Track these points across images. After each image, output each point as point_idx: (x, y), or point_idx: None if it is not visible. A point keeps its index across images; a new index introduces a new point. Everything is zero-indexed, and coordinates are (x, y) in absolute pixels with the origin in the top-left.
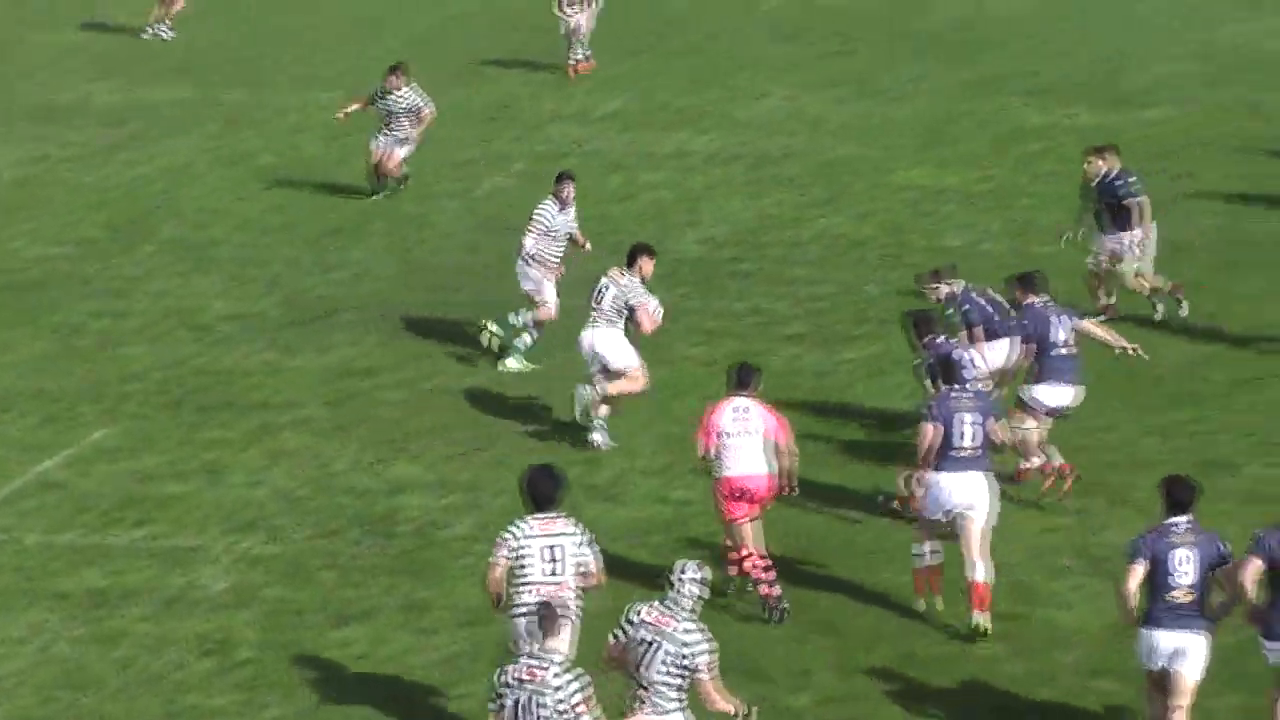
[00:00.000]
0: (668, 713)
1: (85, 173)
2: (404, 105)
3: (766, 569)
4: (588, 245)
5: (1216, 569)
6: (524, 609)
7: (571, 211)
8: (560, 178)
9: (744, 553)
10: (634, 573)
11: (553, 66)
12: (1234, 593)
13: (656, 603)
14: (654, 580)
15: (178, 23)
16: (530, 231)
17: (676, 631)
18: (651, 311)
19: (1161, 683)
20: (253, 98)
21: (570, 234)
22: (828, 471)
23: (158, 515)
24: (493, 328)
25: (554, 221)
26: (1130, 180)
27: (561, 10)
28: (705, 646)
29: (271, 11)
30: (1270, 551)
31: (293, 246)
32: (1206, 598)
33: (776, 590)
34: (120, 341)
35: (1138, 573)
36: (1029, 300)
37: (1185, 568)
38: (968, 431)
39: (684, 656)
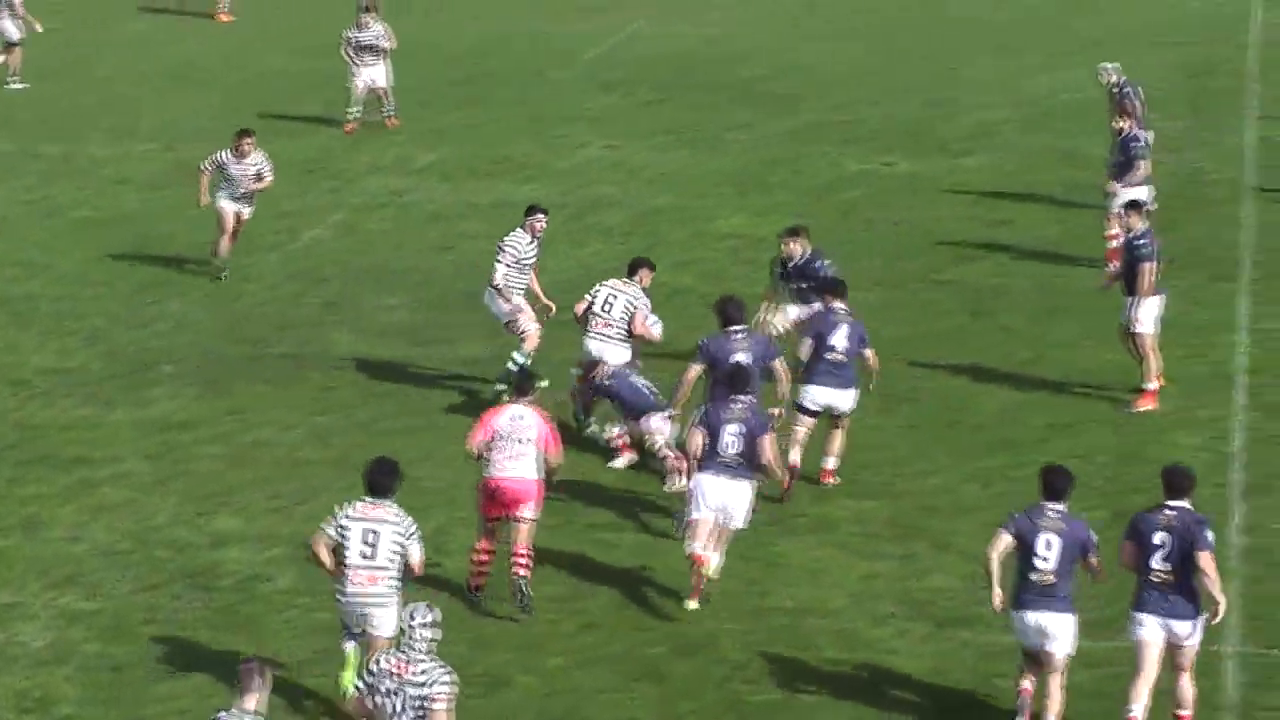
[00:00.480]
0: None
1: None
2: (255, 170)
3: (480, 566)
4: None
5: (1083, 555)
6: (340, 591)
7: (537, 245)
8: (533, 210)
9: (478, 545)
10: (458, 625)
11: (366, 120)
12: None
13: (394, 650)
14: (480, 630)
15: None
16: (500, 262)
17: (415, 675)
18: (650, 322)
19: (1035, 658)
20: (70, 151)
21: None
22: (656, 517)
23: None
24: (500, 388)
25: (524, 252)
26: (826, 263)
27: (353, 60)
28: (444, 678)
29: (87, 65)
30: (1019, 526)
31: (112, 300)
32: (1070, 580)
33: (479, 582)
34: None
35: (1002, 540)
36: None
37: (1048, 552)
38: (733, 441)
39: (423, 696)
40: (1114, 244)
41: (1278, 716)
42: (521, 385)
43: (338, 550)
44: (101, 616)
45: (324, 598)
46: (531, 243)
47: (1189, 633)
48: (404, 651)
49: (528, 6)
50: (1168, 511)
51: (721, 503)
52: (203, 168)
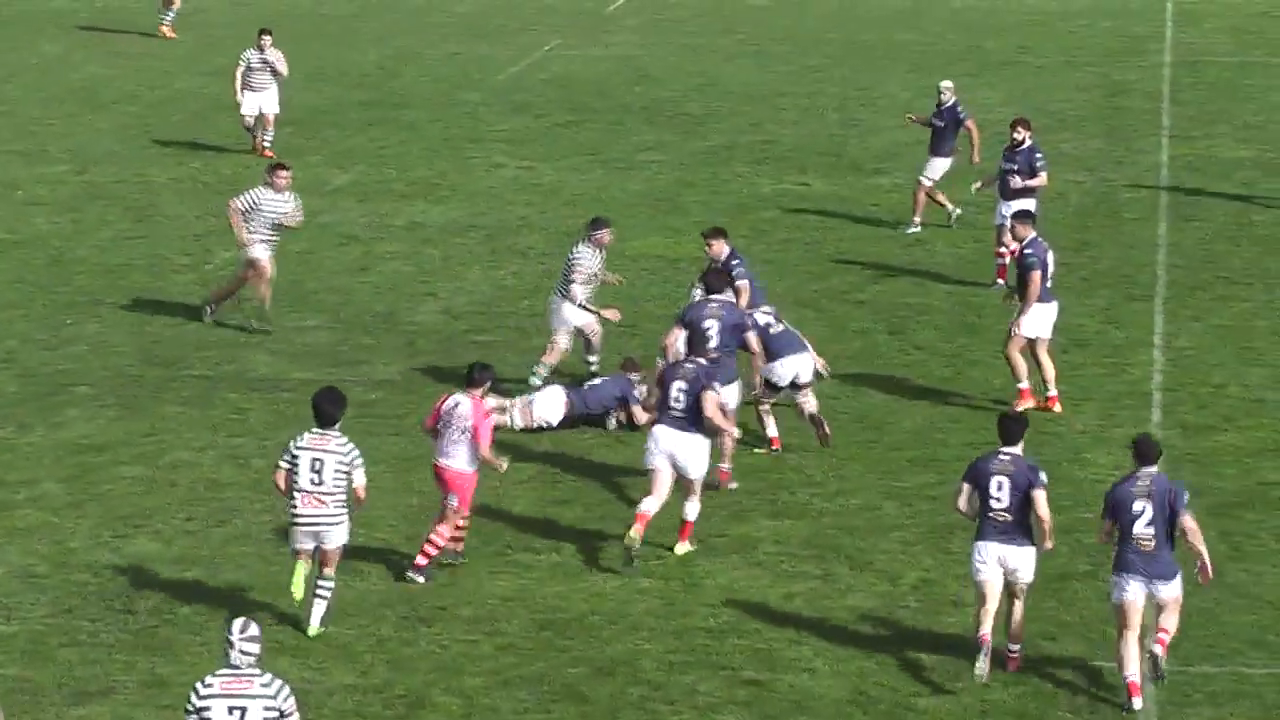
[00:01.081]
0: None
1: None
2: (291, 205)
3: (451, 539)
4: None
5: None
6: (293, 515)
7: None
8: (598, 223)
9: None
10: (376, 647)
11: (290, 142)
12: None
13: (220, 672)
14: (398, 652)
15: None
16: (575, 280)
17: (255, 688)
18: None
19: (986, 591)
20: None
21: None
22: (574, 537)
23: None
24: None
25: (595, 267)
26: (737, 263)
27: (246, 83)
28: (287, 689)
29: None
30: (975, 472)
31: (27, 322)
32: (1025, 517)
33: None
34: None
35: (964, 491)
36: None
37: (1000, 493)
38: (680, 396)
39: (278, 709)
40: (1004, 261)
41: None
42: (471, 376)
43: (288, 477)
44: (18, 640)
45: None
46: (597, 256)
47: (1173, 590)
48: (234, 668)
49: (437, 28)
50: (1141, 481)
51: (671, 451)
52: (236, 207)
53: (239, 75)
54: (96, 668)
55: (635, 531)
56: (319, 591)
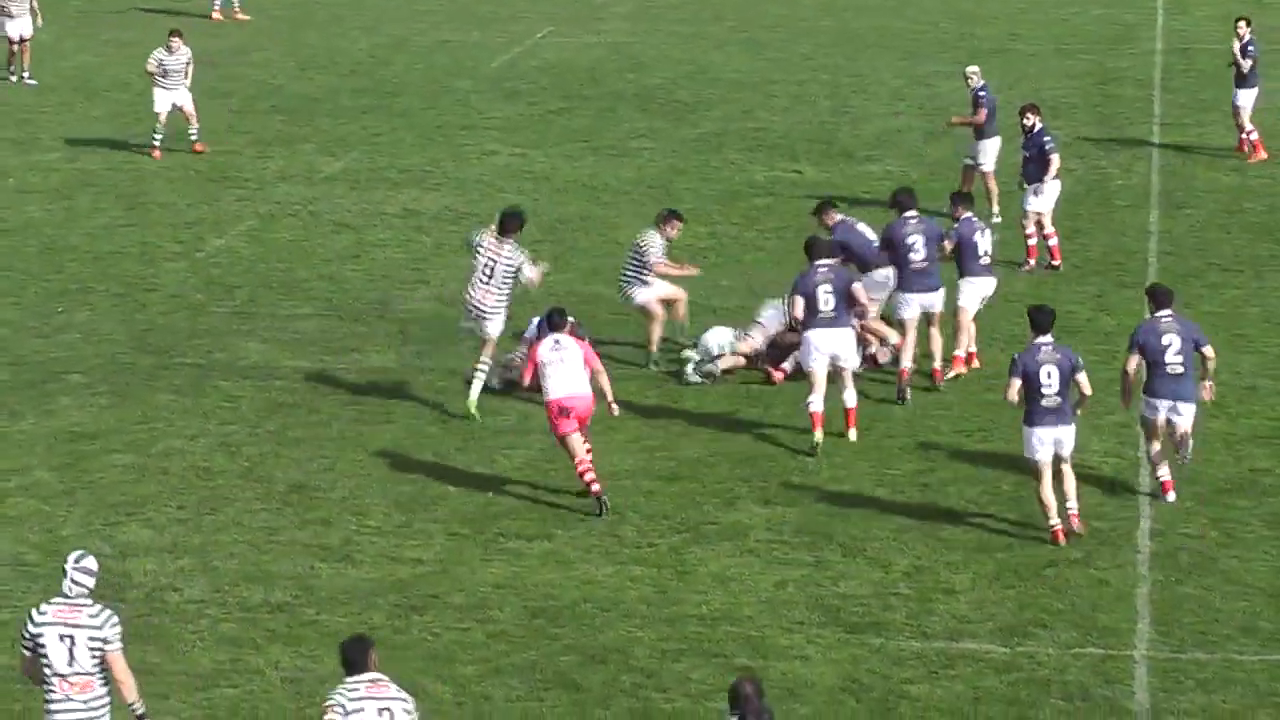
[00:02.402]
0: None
1: None
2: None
3: (589, 472)
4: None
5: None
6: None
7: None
8: (671, 216)
9: (577, 464)
10: (369, 635)
11: (282, 130)
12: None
13: (53, 600)
14: (390, 640)
15: None
16: (649, 263)
17: (83, 617)
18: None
19: (1042, 469)
20: None
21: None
22: (565, 526)
23: None
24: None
25: (658, 253)
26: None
27: (159, 83)
28: (114, 619)
29: None
30: (1025, 367)
31: (18, 309)
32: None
33: (597, 487)
34: None
35: (1014, 385)
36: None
37: (1050, 380)
38: (828, 299)
39: (103, 639)
40: (1032, 241)
41: (1188, 719)
42: (554, 321)
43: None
44: (9, 628)
45: (233, 609)
46: (663, 245)
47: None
48: (66, 597)
49: (428, 16)
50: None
51: (832, 350)
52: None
53: (153, 74)
54: None
55: (819, 433)
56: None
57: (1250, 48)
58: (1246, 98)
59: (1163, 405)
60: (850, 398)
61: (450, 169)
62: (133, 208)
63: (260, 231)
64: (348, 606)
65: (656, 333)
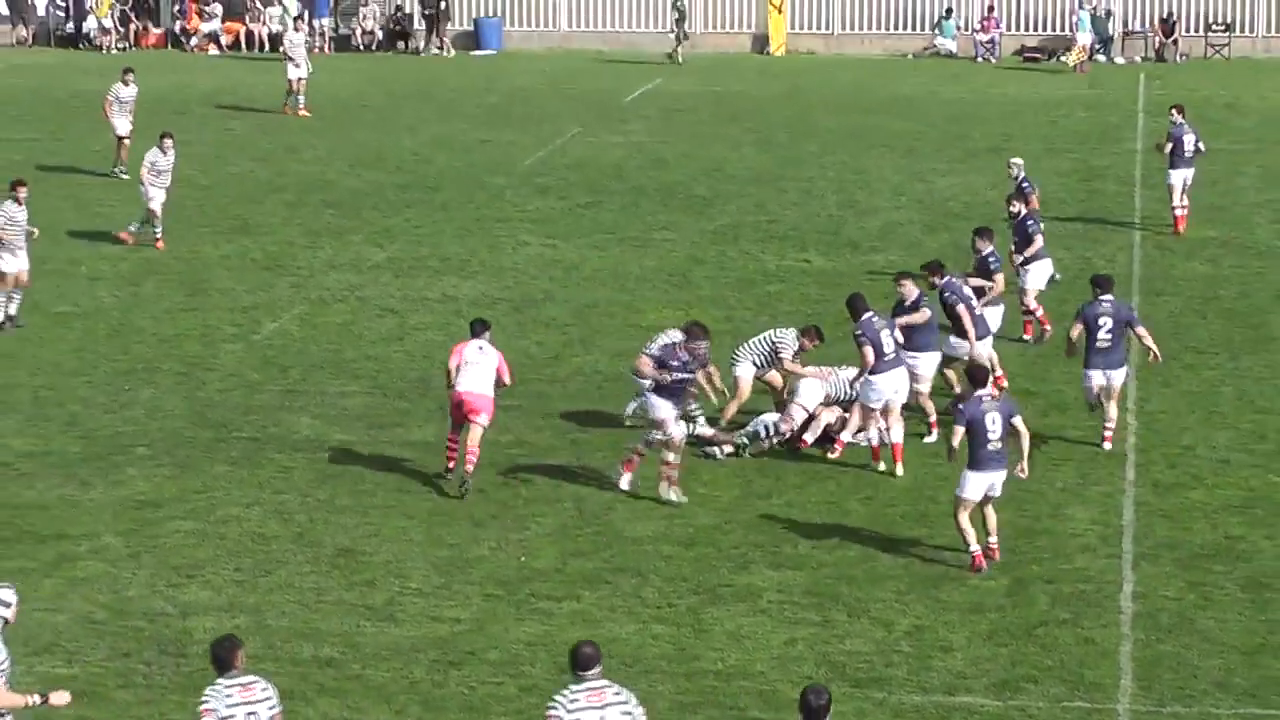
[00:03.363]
0: None
1: None
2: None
3: (465, 454)
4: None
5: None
6: None
7: None
8: (816, 335)
9: (450, 439)
10: (409, 689)
11: (332, 222)
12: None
13: None
14: (429, 694)
15: None
16: (785, 358)
17: None
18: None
19: (1093, 401)
20: (45, 251)
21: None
22: (591, 587)
23: None
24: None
25: (792, 355)
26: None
27: (150, 179)
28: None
29: (56, 168)
30: (1086, 318)
31: (89, 387)
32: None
33: (469, 469)
34: None
35: (1078, 330)
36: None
37: (1105, 331)
38: (889, 342)
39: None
40: (1039, 313)
41: None
42: (476, 329)
43: None
44: (77, 682)
45: (285, 664)
46: (795, 349)
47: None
48: None
49: (468, 118)
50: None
51: (895, 388)
52: None
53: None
54: (151, 708)
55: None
56: None
57: (1175, 132)
58: (1177, 177)
59: (1095, 375)
60: (898, 434)
61: (486, 258)
62: (194, 293)
63: (311, 315)
64: (390, 662)
65: (732, 409)
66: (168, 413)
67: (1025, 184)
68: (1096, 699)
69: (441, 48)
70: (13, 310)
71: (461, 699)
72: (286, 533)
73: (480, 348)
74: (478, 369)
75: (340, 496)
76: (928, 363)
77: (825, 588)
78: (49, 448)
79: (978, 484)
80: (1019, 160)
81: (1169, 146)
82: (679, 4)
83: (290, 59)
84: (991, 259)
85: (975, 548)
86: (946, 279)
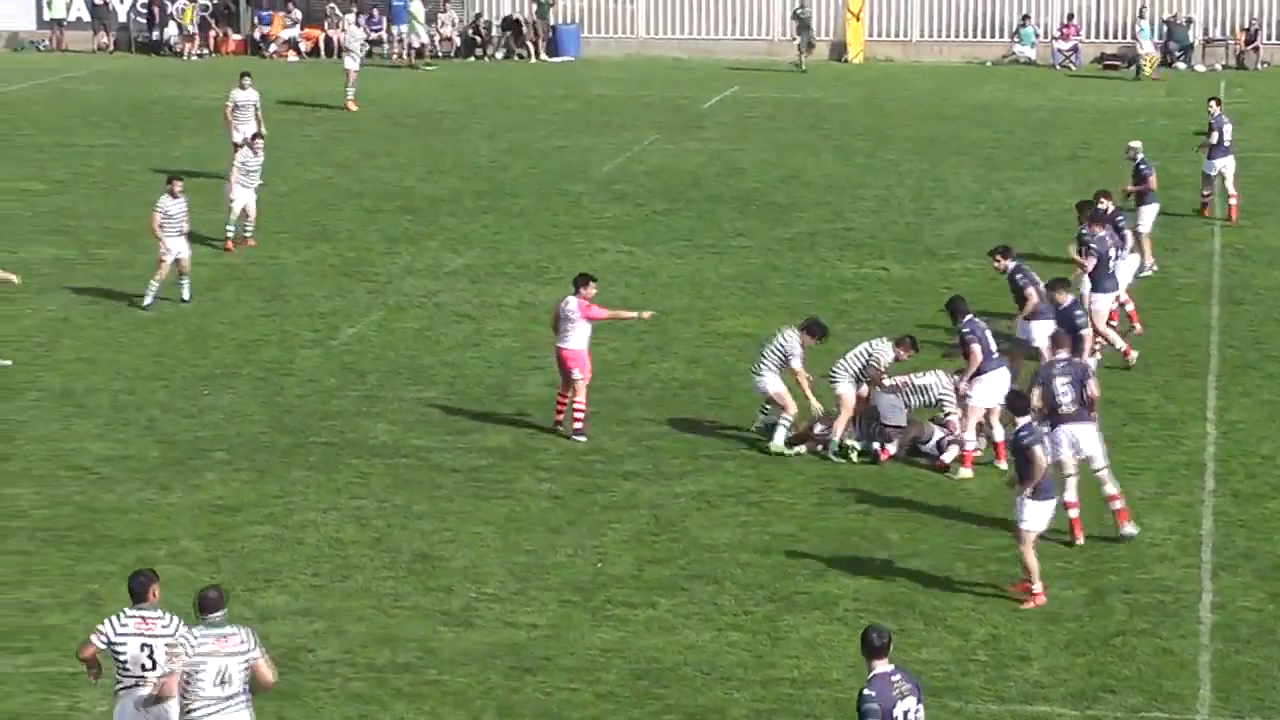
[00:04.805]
0: None
1: None
2: None
3: (569, 411)
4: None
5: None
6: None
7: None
8: (911, 345)
9: (560, 397)
10: (485, 694)
11: (410, 228)
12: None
13: None
14: (506, 700)
15: None
16: (876, 371)
17: None
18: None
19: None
20: (125, 256)
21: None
22: (668, 594)
23: (40, 644)
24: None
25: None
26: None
27: (240, 179)
28: None
29: (136, 174)
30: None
31: (167, 392)
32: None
33: (576, 424)
34: (4, 482)
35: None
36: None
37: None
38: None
39: None
40: (1130, 307)
41: None
42: (579, 284)
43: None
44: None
45: (362, 669)
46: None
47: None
48: None
49: (545, 124)
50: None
51: (1002, 386)
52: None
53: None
54: None
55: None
56: None
57: (1216, 123)
58: (1220, 166)
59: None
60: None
61: (564, 265)
62: (272, 299)
63: (389, 321)
64: (466, 668)
65: (841, 426)
66: (246, 418)
67: (1144, 166)
68: (1175, 710)
69: (533, 54)
70: (185, 294)
71: (537, 705)
72: (363, 538)
73: (566, 302)
74: (571, 326)
75: (417, 502)
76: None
77: (901, 596)
78: (128, 452)
79: (1040, 514)
80: (1137, 144)
81: (1213, 138)
82: (800, 12)
83: (347, 50)
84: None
85: (1039, 586)
86: (1071, 300)
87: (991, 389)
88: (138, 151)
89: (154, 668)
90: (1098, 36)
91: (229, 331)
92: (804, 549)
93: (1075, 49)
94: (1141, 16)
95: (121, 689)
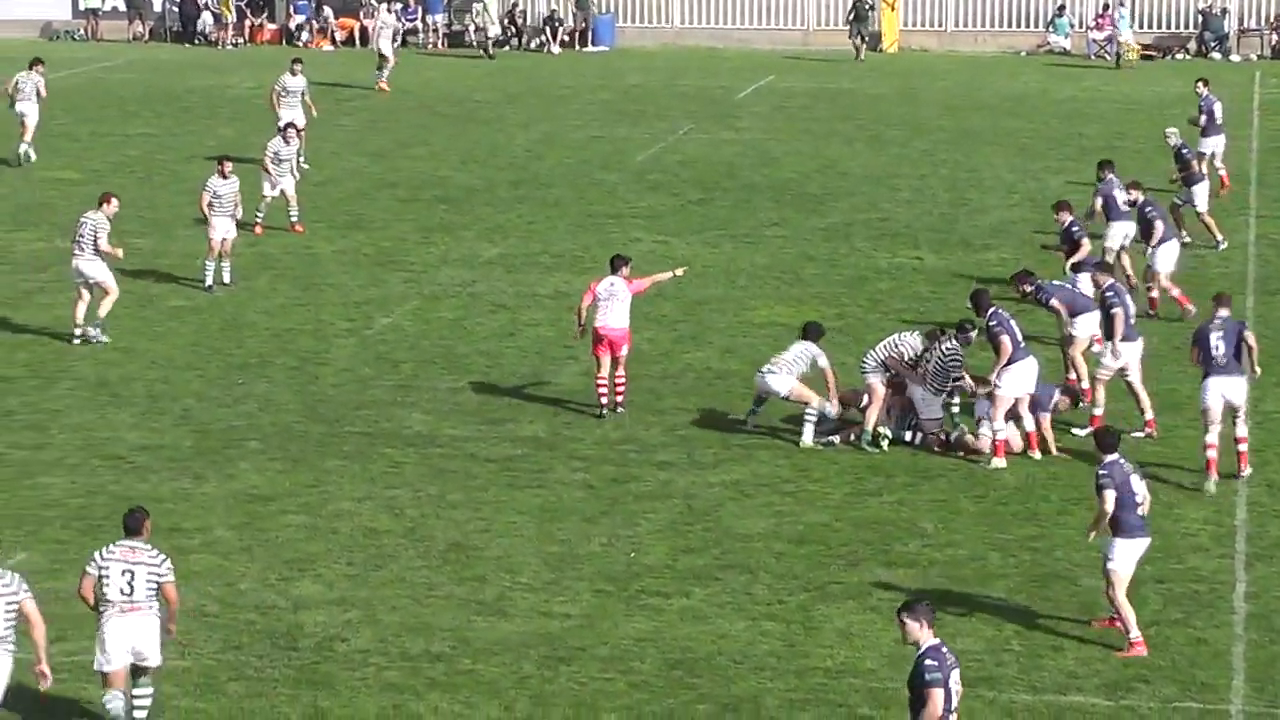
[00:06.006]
0: None
1: (8, 314)
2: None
3: (611, 389)
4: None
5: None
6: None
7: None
8: (966, 328)
9: (599, 378)
10: (519, 684)
11: (445, 218)
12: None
13: None
14: (540, 689)
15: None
16: (954, 377)
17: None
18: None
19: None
20: (160, 246)
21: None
22: (701, 583)
23: (74, 632)
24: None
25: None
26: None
27: (272, 168)
28: None
29: (171, 164)
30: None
31: (203, 381)
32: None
33: (618, 398)
34: (39, 471)
35: (1194, 352)
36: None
37: (1220, 342)
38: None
39: None
40: (1176, 293)
41: None
42: (615, 265)
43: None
44: (191, 674)
45: (395, 658)
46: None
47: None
48: None
49: (579, 114)
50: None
51: (1031, 376)
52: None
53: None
54: (262, 700)
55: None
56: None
57: (1205, 105)
58: (1213, 144)
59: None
60: (1031, 422)
61: (599, 254)
62: (307, 288)
63: (423, 311)
64: (500, 657)
65: (873, 416)
66: (280, 407)
67: (1185, 150)
68: (1209, 700)
69: (573, 43)
70: (225, 278)
71: (571, 694)
72: (398, 528)
73: (611, 283)
74: (612, 304)
75: (451, 492)
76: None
77: (935, 585)
78: (163, 441)
79: (1129, 553)
80: (1174, 129)
81: (1202, 119)
82: (861, 4)
83: (380, 35)
84: (1075, 228)
85: (1136, 633)
86: (1036, 284)
87: (1020, 379)
88: (173, 140)
89: (133, 593)
90: (1134, 26)
91: (264, 321)
92: (838, 539)
93: (1110, 39)
94: (1122, 4)
95: (104, 615)
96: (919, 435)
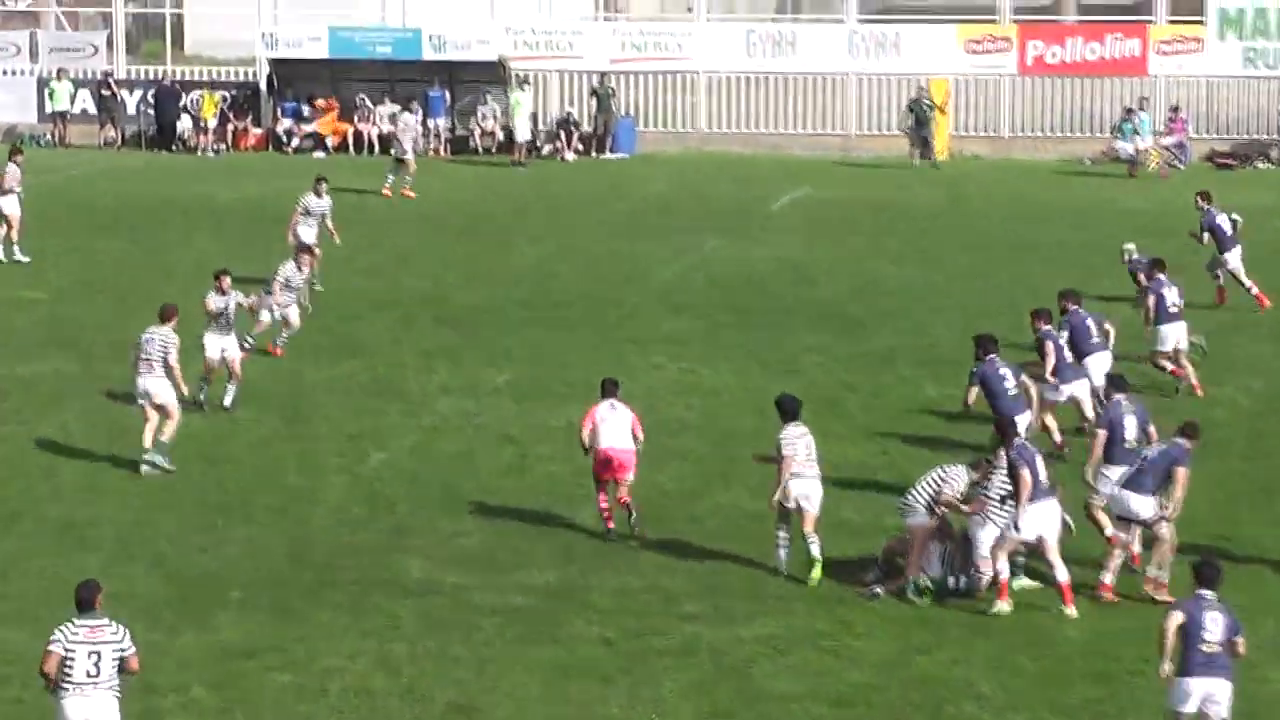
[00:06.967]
0: None
1: None
2: None
3: (611, 510)
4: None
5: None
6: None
7: None
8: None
9: (601, 501)
10: None
11: (446, 342)
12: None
13: None
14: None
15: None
16: (943, 497)
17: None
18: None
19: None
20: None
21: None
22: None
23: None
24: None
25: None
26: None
27: (281, 294)
28: None
29: (146, 283)
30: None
31: (177, 523)
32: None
33: (632, 514)
34: None
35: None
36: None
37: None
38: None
39: None
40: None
41: None
42: (607, 389)
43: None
44: None
45: None
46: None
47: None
48: None
49: (595, 227)
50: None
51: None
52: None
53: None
54: None
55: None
56: None
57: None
58: (1234, 259)
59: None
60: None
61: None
62: (294, 420)
63: (423, 445)
64: None
65: (915, 563)
66: (264, 551)
67: (1138, 263)
68: None
69: (590, 150)
70: (227, 401)
71: None
72: (394, 687)
73: (612, 405)
74: (614, 425)
75: (453, 647)
76: None
77: None
78: (133, 590)
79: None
80: (1131, 245)
81: (1205, 236)
82: (918, 108)
83: (398, 141)
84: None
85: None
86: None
87: (1040, 520)
88: (148, 258)
89: (99, 674)
90: (1208, 133)
91: (246, 455)
92: (883, 700)
93: (1181, 145)
94: (1142, 109)
95: (64, 695)
96: (963, 580)
